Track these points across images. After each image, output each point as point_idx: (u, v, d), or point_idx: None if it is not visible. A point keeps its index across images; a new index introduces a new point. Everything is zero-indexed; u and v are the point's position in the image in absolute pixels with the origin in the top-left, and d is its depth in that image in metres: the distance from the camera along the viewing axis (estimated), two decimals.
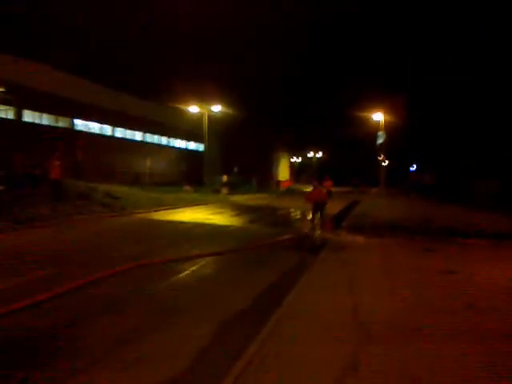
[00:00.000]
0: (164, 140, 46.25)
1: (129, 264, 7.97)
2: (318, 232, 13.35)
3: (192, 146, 51.38)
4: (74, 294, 6.27)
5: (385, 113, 39.75)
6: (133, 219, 16.11)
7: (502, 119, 28.98)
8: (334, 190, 30.86)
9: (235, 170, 49.43)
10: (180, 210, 20.46)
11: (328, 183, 28.66)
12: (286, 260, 9.38)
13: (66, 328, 5.02)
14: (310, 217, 14.98)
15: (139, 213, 17.70)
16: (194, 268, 8.27)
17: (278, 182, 59.92)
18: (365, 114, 42.04)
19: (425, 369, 4.04)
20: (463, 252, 10.70)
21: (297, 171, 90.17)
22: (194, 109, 40.87)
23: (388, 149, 43.79)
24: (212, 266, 8.77)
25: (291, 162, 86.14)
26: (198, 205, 23.26)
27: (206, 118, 39.86)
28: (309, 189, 16.13)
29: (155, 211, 18.72)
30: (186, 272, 7.91)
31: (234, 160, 52.27)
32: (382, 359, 4.24)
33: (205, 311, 5.80)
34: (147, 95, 41.30)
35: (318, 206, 14.24)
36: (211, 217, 17.59)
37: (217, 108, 41.29)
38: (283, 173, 73.96)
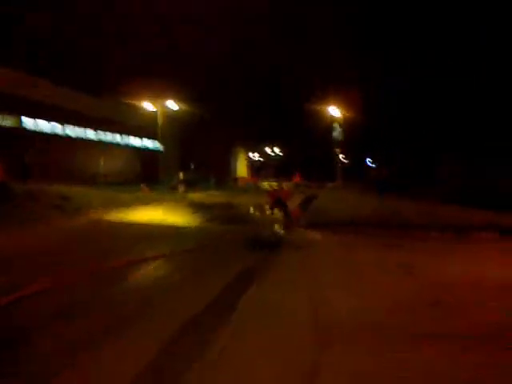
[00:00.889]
0: (119, 138, 45.11)
1: (75, 270, 7.57)
2: (275, 229, 13.22)
3: (148, 144, 50.38)
4: (20, 304, 5.85)
5: (339, 106, 40.21)
6: (85, 221, 15.46)
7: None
8: (300, 183, 39.09)
9: (192, 167, 48.84)
10: (135, 209, 19.89)
11: (297, 178, 38.79)
12: (242, 259, 9.15)
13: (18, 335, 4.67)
14: (268, 212, 14.83)
15: (92, 213, 17.03)
16: (144, 271, 7.95)
17: (236, 179, 59.69)
18: (320, 108, 42.38)
19: (387, 374, 3.91)
20: (427, 247, 10.77)
21: (256, 167, 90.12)
22: (149, 106, 40.09)
23: (344, 144, 44.34)
24: (164, 268, 8.47)
25: (249, 158, 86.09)
26: (154, 204, 22.71)
27: (160, 116, 39.19)
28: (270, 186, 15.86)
29: (109, 211, 18.09)
30: (135, 276, 7.58)
31: (191, 157, 51.62)
32: (341, 365, 4.08)
33: (155, 319, 5.47)
34: (101, 93, 40.08)
35: (279, 203, 14.13)
36: (167, 216, 17.19)
37: (173, 105, 40.69)
38: (241, 169, 73.86)
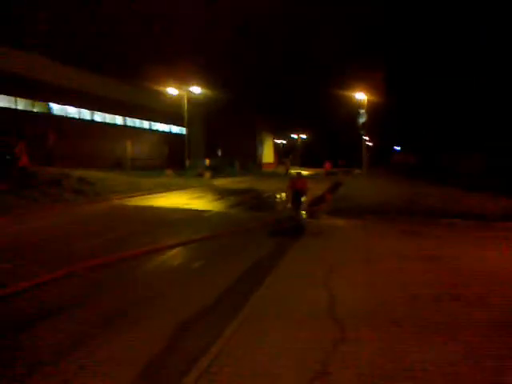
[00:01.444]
0: (145, 124, 45.32)
1: (92, 260, 7.60)
2: (297, 216, 13.03)
3: (174, 129, 50.53)
4: (33, 291, 5.88)
5: (366, 92, 39.45)
6: (106, 206, 15.52)
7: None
8: (332, 170, 41.61)
9: (218, 152, 48.89)
10: (159, 194, 19.97)
11: (328, 165, 40.79)
12: (263, 246, 9.06)
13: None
14: (288, 204, 14.56)
15: (114, 199, 17.10)
16: (163, 258, 7.93)
17: (262, 165, 59.54)
18: (347, 94, 41.68)
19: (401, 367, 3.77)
20: (448, 235, 10.47)
21: (283, 154, 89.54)
22: (175, 91, 40.11)
23: (371, 129, 43.69)
24: (184, 254, 8.44)
25: (276, 144, 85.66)
26: (178, 189, 22.76)
27: (186, 101, 39.18)
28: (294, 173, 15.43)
29: (131, 197, 18.18)
30: (155, 262, 7.57)
31: (217, 143, 51.64)
32: (356, 357, 3.95)
33: (170, 306, 5.47)
34: (127, 78, 40.28)
35: (298, 194, 13.86)
36: (191, 201, 17.18)
37: (199, 90, 40.63)
38: (268, 155, 73.58)
